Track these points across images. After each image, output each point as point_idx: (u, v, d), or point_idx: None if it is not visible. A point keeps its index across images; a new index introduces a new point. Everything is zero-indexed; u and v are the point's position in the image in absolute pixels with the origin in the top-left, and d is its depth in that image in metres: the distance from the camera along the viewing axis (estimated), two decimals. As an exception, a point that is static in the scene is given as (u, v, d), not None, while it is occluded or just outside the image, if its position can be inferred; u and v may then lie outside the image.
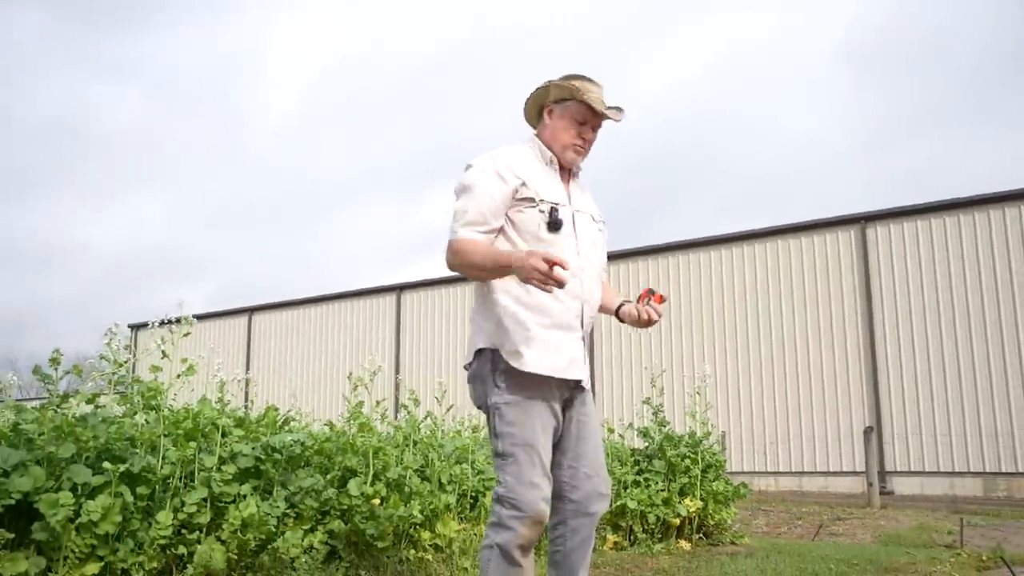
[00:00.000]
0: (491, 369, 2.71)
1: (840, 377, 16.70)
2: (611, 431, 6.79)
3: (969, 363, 15.48)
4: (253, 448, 4.04)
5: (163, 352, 3.77)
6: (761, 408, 17.41)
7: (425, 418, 5.35)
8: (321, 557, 4.06)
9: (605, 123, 2.93)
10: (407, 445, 4.93)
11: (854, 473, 16.01)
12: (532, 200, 2.74)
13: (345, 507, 4.31)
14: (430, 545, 4.66)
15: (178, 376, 3.85)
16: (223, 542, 3.63)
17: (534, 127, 3.03)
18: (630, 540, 5.95)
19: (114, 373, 3.82)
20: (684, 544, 6.05)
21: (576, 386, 2.80)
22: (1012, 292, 15.30)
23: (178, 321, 3.85)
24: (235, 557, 3.66)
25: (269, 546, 3.83)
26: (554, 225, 2.74)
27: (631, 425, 6.91)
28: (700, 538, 6.34)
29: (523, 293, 2.70)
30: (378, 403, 4.80)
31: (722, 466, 6.72)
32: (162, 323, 3.87)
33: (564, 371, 2.70)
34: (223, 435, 3.97)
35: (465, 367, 2.86)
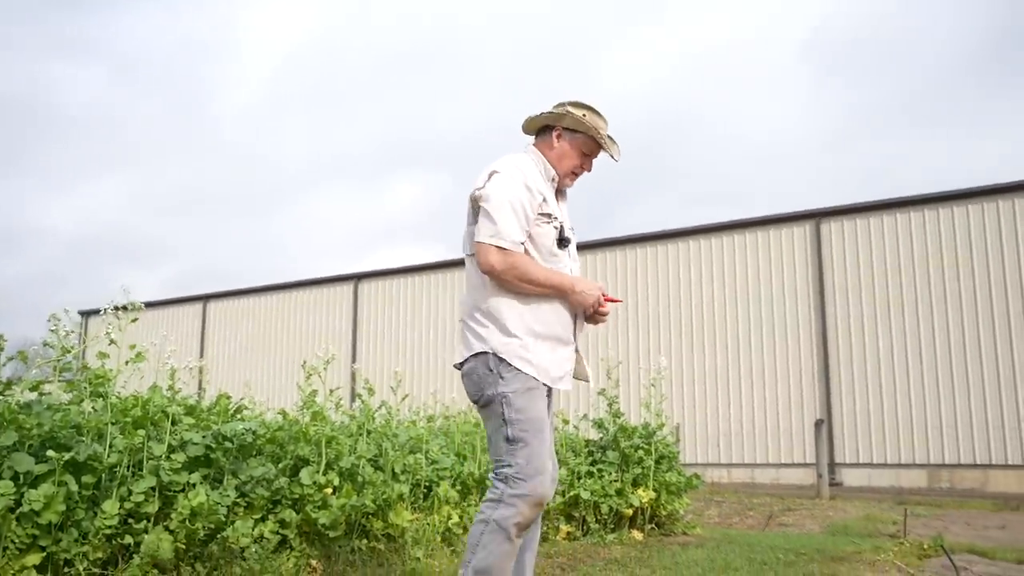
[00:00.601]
0: (495, 364, 2.83)
1: (793, 371, 16.96)
2: (566, 422, 6.82)
3: (917, 359, 15.82)
4: (204, 436, 3.99)
5: (110, 339, 3.69)
6: (715, 400, 17.62)
7: (379, 407, 5.32)
8: (271, 546, 4.03)
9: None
10: (361, 434, 4.90)
11: (805, 465, 16.29)
12: (549, 216, 2.92)
13: (297, 496, 4.28)
14: (382, 535, 4.65)
15: (126, 363, 3.78)
16: (171, 532, 3.58)
17: (528, 134, 3.17)
18: (583, 530, 5.99)
19: (59, 359, 3.74)
20: (636, 534, 6.10)
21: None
22: (959, 289, 15.65)
23: (126, 308, 3.78)
24: (183, 547, 3.61)
25: (218, 535, 3.79)
26: (563, 242, 2.94)
27: (586, 416, 6.95)
28: (652, 528, 6.39)
29: (527, 309, 2.85)
30: (331, 392, 4.77)
31: (675, 457, 6.79)
32: (111, 309, 3.79)
33: (559, 382, 2.92)
34: (173, 423, 3.91)
35: (456, 366, 2.97)
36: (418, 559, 4.60)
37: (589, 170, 3.12)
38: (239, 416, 4.79)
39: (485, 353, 2.85)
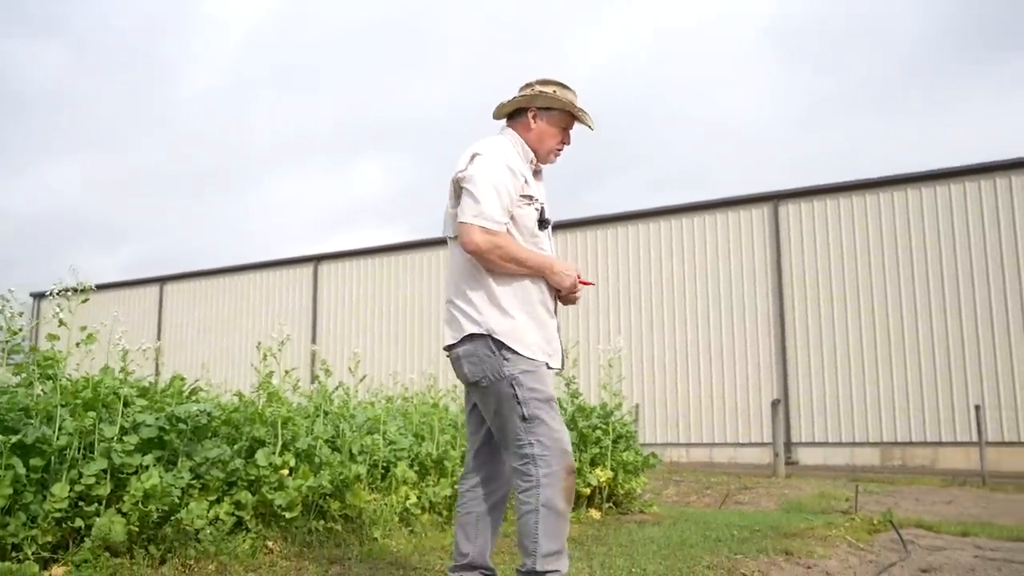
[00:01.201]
0: (494, 348, 2.86)
1: (751, 351, 17.19)
2: (524, 402, 6.84)
3: (872, 340, 16.12)
4: (157, 418, 3.94)
5: (60, 320, 3.63)
6: (675, 381, 17.81)
7: (336, 388, 5.30)
8: (227, 528, 4.01)
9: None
10: (318, 415, 4.88)
11: (762, 444, 16.55)
12: (531, 198, 2.96)
13: (253, 477, 4.25)
14: (340, 515, 4.64)
15: (77, 345, 3.72)
16: (123, 514, 3.55)
17: (499, 119, 3.21)
18: (541, 509, 6.03)
19: (7, 341, 3.67)
20: (594, 513, 6.16)
21: None
22: (912, 273, 15.95)
23: (76, 289, 3.72)
24: (136, 529, 3.57)
25: (172, 518, 3.75)
26: (543, 223, 3.00)
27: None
28: (610, 507, 6.46)
29: (515, 289, 2.91)
30: (287, 372, 4.74)
31: (633, 437, 6.85)
32: (61, 292, 3.73)
33: (551, 359, 2.98)
34: (125, 405, 3.86)
35: (447, 348, 3.02)
36: (376, 539, 4.60)
37: (569, 143, 3.17)
38: (194, 398, 4.75)
39: (482, 336, 2.87)
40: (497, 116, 3.19)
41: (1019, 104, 62.47)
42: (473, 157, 2.92)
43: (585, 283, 3.03)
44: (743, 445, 17.06)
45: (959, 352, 15.40)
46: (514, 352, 2.85)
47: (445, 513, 5.32)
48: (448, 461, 5.46)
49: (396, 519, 4.88)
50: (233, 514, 4.13)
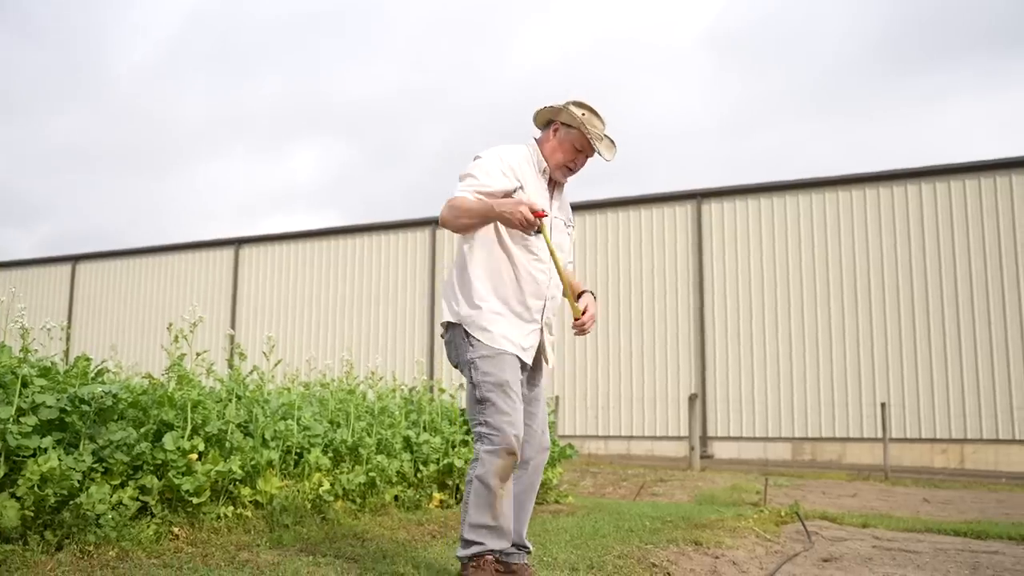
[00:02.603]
0: (464, 334, 3.16)
1: (670, 347, 17.48)
2: (442, 391, 6.82)
3: (786, 339, 16.58)
4: (58, 399, 3.80)
5: (-46, 293, 3.46)
6: (595, 374, 18.01)
7: (251, 372, 5.19)
8: (130, 513, 3.89)
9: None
10: (230, 400, 4.77)
11: (679, 438, 16.87)
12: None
13: (160, 462, 4.13)
14: (250, 502, 4.55)
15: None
16: (18, 498, 3.41)
17: (538, 128, 3.41)
18: (456, 498, 6.03)
19: None
20: (510, 502, 6.18)
21: (532, 367, 3.27)
22: (827, 275, 16.44)
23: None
24: (31, 514, 3.44)
25: (71, 502, 3.62)
26: (538, 230, 3.13)
27: (462, 385, 6.95)
28: (526, 497, 6.49)
29: (493, 286, 3.15)
30: (199, 355, 4.62)
31: (551, 428, 6.89)
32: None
33: (522, 353, 3.15)
34: (24, 385, 3.71)
35: (442, 336, 3.32)
36: (286, 526, 4.53)
37: (580, 165, 3.29)
38: (100, 379, 4.59)
39: (456, 324, 3.19)
40: (535, 122, 3.40)
41: (941, 114, 64.99)
42: (474, 159, 3.21)
43: (537, 214, 3.03)
44: (660, 438, 17.36)
45: (868, 353, 15.95)
46: (477, 340, 3.11)
47: (359, 500, 5.27)
48: (363, 448, 5.40)
49: (308, 506, 4.81)
50: (137, 499, 4.01)
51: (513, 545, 3.25)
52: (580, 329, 3.27)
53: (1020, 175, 15.41)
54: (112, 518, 3.73)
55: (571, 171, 3.29)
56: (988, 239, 15.44)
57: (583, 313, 3.26)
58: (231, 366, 5.06)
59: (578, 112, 3.19)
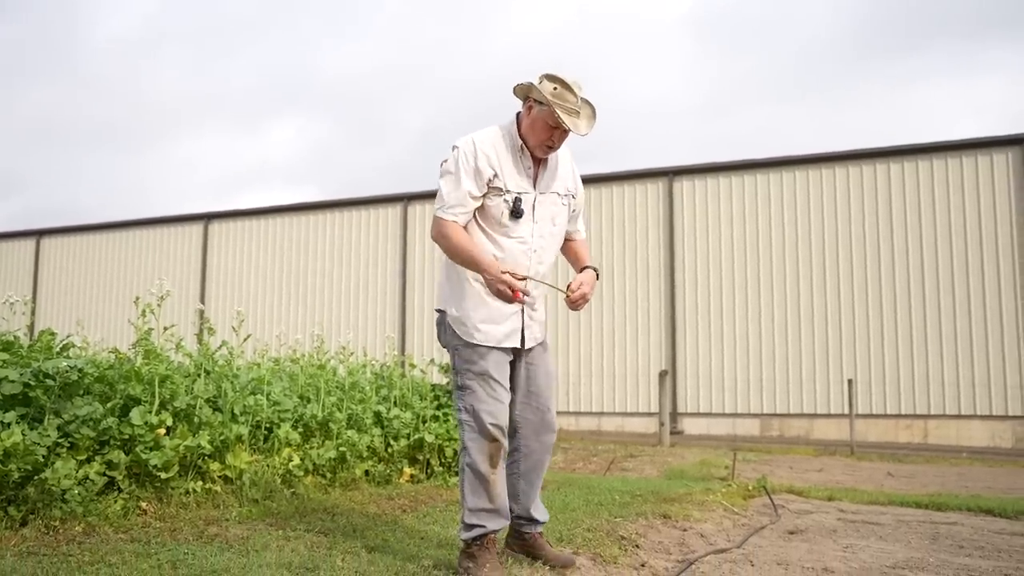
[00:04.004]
0: (450, 321, 3.22)
1: (641, 323, 17.58)
2: (413, 367, 6.82)
3: (756, 316, 16.73)
4: (21, 374, 3.75)
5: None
6: (565, 350, 18.07)
7: (220, 347, 5.15)
8: (97, 488, 3.86)
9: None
10: (199, 374, 4.74)
11: (649, 414, 17.01)
12: (500, 190, 3.13)
13: (127, 437, 4.10)
14: (219, 476, 4.53)
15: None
16: (-19, 473, 3.37)
17: (518, 98, 3.31)
18: (427, 473, 6.04)
19: None
20: (480, 477, 6.20)
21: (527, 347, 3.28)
22: (796, 251, 16.59)
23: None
24: (-5, 489, 3.40)
25: (36, 477, 3.58)
26: (515, 214, 3.15)
27: (432, 360, 6.97)
28: (496, 471, 6.51)
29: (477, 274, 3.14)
30: (166, 329, 4.57)
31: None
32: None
33: (500, 342, 3.17)
34: (-14, 359, 3.66)
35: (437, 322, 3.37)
36: (256, 501, 4.52)
37: (558, 142, 3.19)
38: (65, 354, 4.53)
39: (443, 311, 3.27)
40: (516, 95, 3.31)
41: (915, 96, 65.58)
42: (453, 149, 3.17)
43: (519, 296, 3.02)
44: (631, 415, 17.49)
45: (836, 330, 16.15)
46: (456, 331, 3.19)
47: (329, 475, 5.26)
48: (333, 423, 5.39)
49: (278, 481, 4.79)
50: (104, 474, 3.97)
51: (524, 518, 3.38)
52: (571, 306, 3.26)
53: (985, 156, 15.61)
54: (78, 493, 3.70)
55: (550, 148, 3.20)
56: (954, 219, 15.65)
57: (572, 291, 3.23)
58: (200, 341, 5.02)
59: (549, 86, 3.10)
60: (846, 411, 14.54)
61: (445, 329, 3.27)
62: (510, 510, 3.29)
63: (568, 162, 3.42)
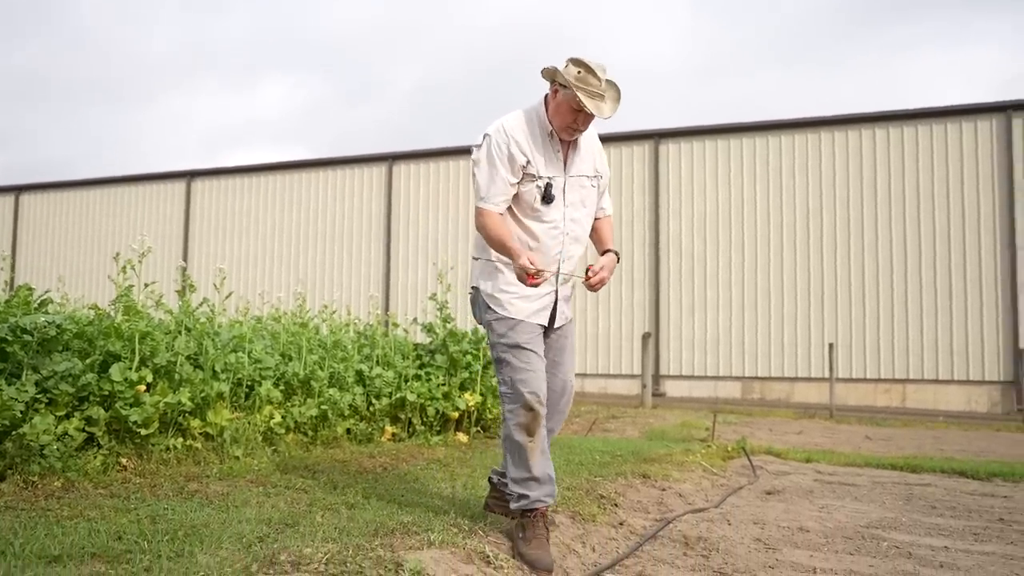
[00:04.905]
0: (483, 298, 3.29)
1: (625, 286, 17.61)
2: (395, 326, 6.81)
3: (739, 279, 16.79)
4: (-1, 329, 3.72)
5: None
6: (551, 313, 18.05)
7: (201, 304, 5.12)
8: (77, 444, 3.85)
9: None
10: (180, 331, 4.71)
11: (632, 376, 17.10)
12: (533, 176, 3.18)
13: (107, 393, 4.09)
14: (200, 433, 4.53)
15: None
16: (-41, 427, 3.35)
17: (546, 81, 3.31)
18: (409, 432, 6.07)
19: None
20: (462, 436, 6.24)
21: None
22: (781, 216, 16.61)
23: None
24: (-27, 443, 3.39)
25: (14, 432, 3.57)
26: (547, 199, 3.20)
27: (415, 320, 6.96)
28: (478, 431, 6.56)
29: (524, 242, 3.20)
30: (147, 285, 4.54)
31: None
32: None
33: (530, 317, 3.23)
34: (-37, 314, 3.62)
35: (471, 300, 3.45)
36: (237, 458, 4.53)
37: (583, 125, 3.18)
38: (43, 309, 4.49)
39: (477, 288, 3.33)
40: (544, 78, 3.31)
41: (904, 65, 65.44)
42: (483, 137, 3.20)
43: (534, 279, 3.07)
44: (614, 376, 17.58)
45: (818, 295, 16.24)
46: (490, 307, 3.26)
47: (311, 433, 5.27)
48: (315, 381, 5.39)
49: (259, 438, 4.80)
50: (83, 430, 3.97)
51: None
52: (589, 288, 3.28)
53: (969, 123, 15.61)
54: (57, 449, 3.70)
55: (575, 131, 3.20)
56: (937, 186, 15.69)
57: (591, 275, 3.25)
58: (182, 299, 4.99)
59: (574, 70, 3.10)
60: (826, 375, 14.67)
61: (479, 305, 3.35)
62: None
63: (594, 143, 3.42)
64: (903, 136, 16.00)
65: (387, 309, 18.62)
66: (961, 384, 15.26)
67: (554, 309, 3.32)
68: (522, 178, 3.18)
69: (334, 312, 6.59)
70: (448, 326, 6.67)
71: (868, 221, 16.07)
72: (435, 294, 6.75)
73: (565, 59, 3.16)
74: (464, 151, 19.38)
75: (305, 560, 2.50)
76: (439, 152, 19.65)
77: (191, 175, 22.43)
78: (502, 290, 3.24)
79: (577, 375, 17.71)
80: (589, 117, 3.15)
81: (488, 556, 2.89)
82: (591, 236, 3.53)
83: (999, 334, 15.09)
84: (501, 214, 3.19)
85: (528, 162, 3.17)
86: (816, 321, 16.20)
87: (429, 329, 6.76)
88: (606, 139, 17.81)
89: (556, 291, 3.31)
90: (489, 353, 3.32)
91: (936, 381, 15.38)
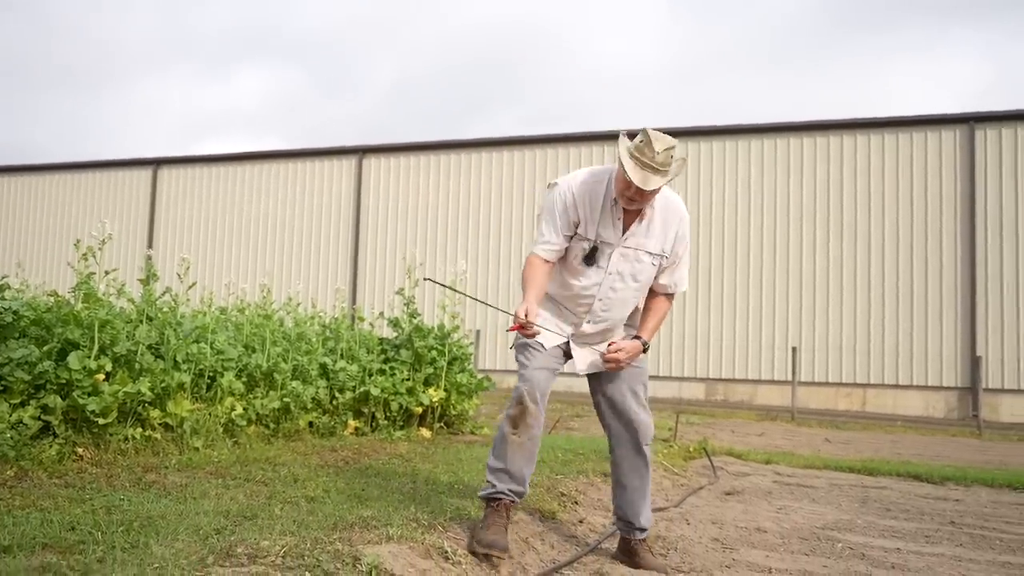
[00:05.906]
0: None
1: (593, 285, 17.65)
2: (361, 319, 6.78)
3: (705, 281, 16.92)
4: (-47, 313, 3.65)
5: None
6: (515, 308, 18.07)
7: (164, 294, 5.06)
8: (32, 432, 3.79)
9: None
10: (141, 320, 4.65)
11: (596, 375, 17.15)
12: (580, 236, 3.23)
13: (64, 381, 4.02)
14: (160, 424, 4.48)
15: None
16: (-90, 412, 3.28)
17: None
18: (372, 426, 6.05)
19: None
20: (425, 432, 6.23)
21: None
22: (749, 219, 16.77)
23: None
24: (-76, 429, 3.32)
25: (-33, 419, 3.51)
26: (588, 259, 3.23)
27: (381, 314, 6.93)
28: (441, 427, 6.55)
29: (557, 288, 3.34)
30: (107, 273, 4.48)
31: (468, 359, 6.92)
32: None
33: (544, 325, 3.25)
34: (-84, 297, 3.55)
35: None
36: (197, 449, 4.48)
37: (639, 197, 3.06)
38: (0, 295, 4.41)
39: None
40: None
41: (878, 72, 66.38)
42: (551, 186, 3.29)
43: (515, 327, 3.14)
44: (580, 376, 17.62)
45: (783, 298, 16.42)
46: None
47: (272, 426, 5.23)
48: (278, 374, 5.35)
49: (220, 429, 4.76)
50: (39, 419, 3.91)
51: (622, 520, 3.39)
52: (603, 361, 3.32)
53: (934, 133, 15.87)
54: (11, 437, 3.64)
55: (632, 200, 3.08)
56: (901, 194, 15.93)
57: (608, 352, 3.28)
58: (144, 287, 4.92)
59: (626, 143, 3.04)
60: (789, 378, 14.85)
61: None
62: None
63: (676, 224, 3.30)
64: (869, 144, 16.24)
65: (354, 303, 18.51)
66: (920, 389, 15.52)
67: (568, 350, 3.37)
68: (574, 235, 3.24)
69: (299, 304, 6.54)
70: (414, 321, 6.65)
71: (833, 227, 16.28)
72: (403, 288, 6.72)
73: (623, 139, 3.10)
74: (436, 146, 19.33)
75: (262, 553, 2.49)
76: (410, 146, 19.59)
77: (157, 163, 22.16)
78: (538, 313, 3.25)
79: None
80: (647, 192, 3.03)
81: (446, 551, 2.89)
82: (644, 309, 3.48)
83: (957, 341, 15.37)
84: (546, 260, 3.26)
85: (579, 222, 3.22)
86: (780, 325, 16.38)
87: (395, 324, 6.73)
88: (581, 139, 17.92)
89: (568, 338, 3.36)
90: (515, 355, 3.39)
91: (896, 386, 15.63)
